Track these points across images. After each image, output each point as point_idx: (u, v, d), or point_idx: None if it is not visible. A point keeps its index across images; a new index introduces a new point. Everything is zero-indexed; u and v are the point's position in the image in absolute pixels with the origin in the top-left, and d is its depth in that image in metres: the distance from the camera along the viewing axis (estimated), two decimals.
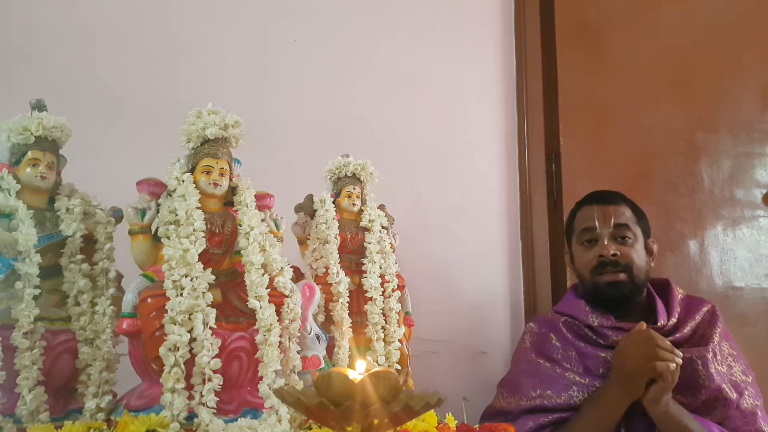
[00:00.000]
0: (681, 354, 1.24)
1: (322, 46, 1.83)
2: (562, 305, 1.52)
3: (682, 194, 2.05)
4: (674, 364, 1.22)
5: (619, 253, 1.39)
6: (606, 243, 1.40)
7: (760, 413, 1.32)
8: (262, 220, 1.12)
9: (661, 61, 2.09)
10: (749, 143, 2.12)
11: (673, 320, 1.38)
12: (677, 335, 1.35)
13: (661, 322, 1.37)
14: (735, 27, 2.16)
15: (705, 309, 1.42)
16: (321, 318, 1.27)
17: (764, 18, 2.17)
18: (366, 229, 1.36)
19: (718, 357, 1.34)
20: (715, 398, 1.30)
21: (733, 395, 1.30)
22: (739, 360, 1.37)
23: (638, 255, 1.41)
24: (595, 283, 1.42)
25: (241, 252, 1.09)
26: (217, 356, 0.99)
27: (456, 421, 1.13)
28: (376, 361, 1.28)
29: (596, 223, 1.42)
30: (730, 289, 2.03)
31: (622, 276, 1.39)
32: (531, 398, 1.36)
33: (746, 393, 1.32)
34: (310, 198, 1.34)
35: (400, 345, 1.33)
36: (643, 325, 1.30)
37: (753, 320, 1.98)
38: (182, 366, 0.96)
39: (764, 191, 2.10)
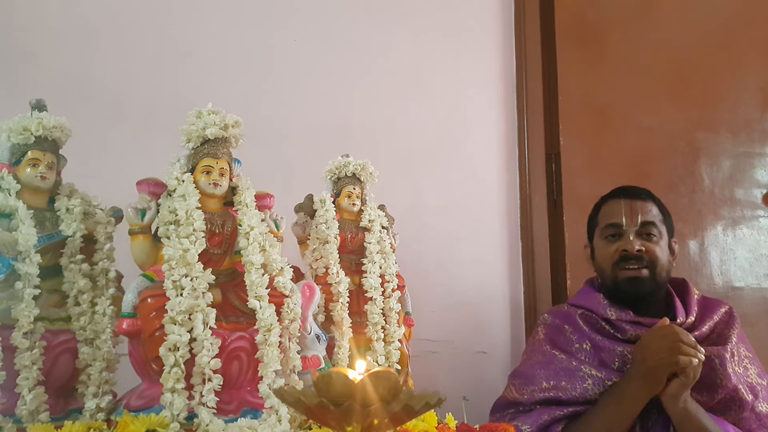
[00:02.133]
0: (704, 350, 1.24)
1: (323, 46, 1.83)
2: (578, 298, 1.49)
3: (682, 194, 2.05)
4: (697, 360, 1.21)
5: (644, 248, 1.37)
6: (631, 239, 1.38)
7: None
8: (262, 220, 1.12)
9: (661, 61, 2.09)
10: (749, 143, 2.12)
11: (692, 318, 1.37)
12: (696, 333, 1.33)
13: (679, 319, 1.35)
14: (735, 27, 2.15)
15: (723, 310, 1.41)
16: (321, 318, 1.27)
17: (764, 18, 2.17)
18: (366, 229, 1.36)
19: (736, 358, 1.33)
20: (731, 399, 1.29)
21: (749, 397, 1.29)
22: (755, 362, 1.37)
23: (662, 252, 1.39)
24: (616, 277, 1.39)
25: (241, 252, 1.09)
26: (217, 356, 0.99)
27: (456, 421, 1.13)
28: (376, 361, 1.28)
29: (623, 219, 1.39)
30: (730, 289, 2.03)
31: (645, 272, 1.37)
32: (545, 389, 1.34)
33: (761, 396, 1.31)
34: (310, 198, 1.34)
35: (400, 345, 1.33)
36: (666, 320, 1.29)
37: (753, 320, 1.98)
38: (182, 366, 0.96)
39: (764, 191, 2.10)
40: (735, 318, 1.39)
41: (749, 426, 1.29)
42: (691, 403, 1.25)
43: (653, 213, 1.41)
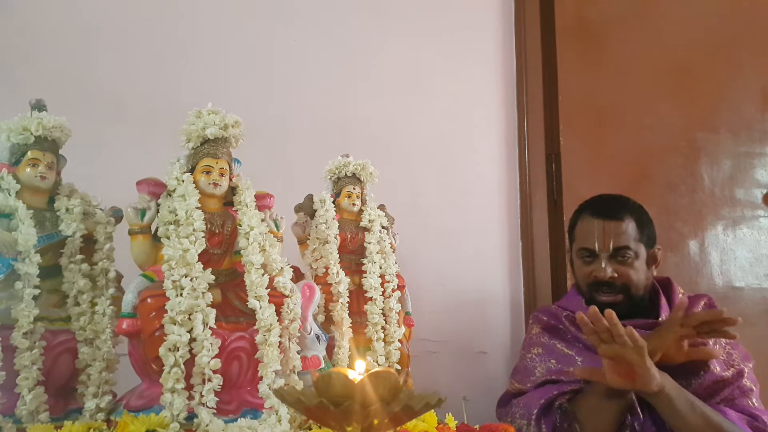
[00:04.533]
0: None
1: (323, 46, 1.83)
2: (564, 301, 1.53)
3: (682, 194, 2.05)
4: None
5: (616, 275, 1.38)
6: (603, 266, 1.38)
7: (755, 393, 1.33)
8: (262, 220, 1.12)
9: (661, 61, 2.09)
10: (749, 143, 2.12)
11: None
12: None
13: (663, 317, 1.39)
14: (735, 27, 2.15)
15: (702, 302, 1.44)
16: (321, 318, 1.27)
17: (764, 18, 2.17)
18: (366, 229, 1.36)
19: (717, 345, 1.36)
20: (714, 381, 1.31)
21: (733, 378, 1.32)
22: (737, 347, 1.39)
23: (637, 272, 1.40)
24: (593, 299, 1.42)
25: (241, 252, 1.09)
26: (217, 356, 0.99)
27: (456, 421, 1.13)
28: (376, 361, 1.28)
29: (596, 245, 1.40)
30: (730, 289, 2.03)
31: (619, 297, 1.38)
32: (545, 374, 1.38)
33: (746, 375, 1.34)
34: (310, 198, 1.34)
35: (400, 345, 1.33)
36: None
37: (753, 320, 1.98)
38: (182, 366, 0.96)
39: (764, 191, 2.10)
40: (715, 307, 1.41)
41: (731, 395, 1.31)
42: (672, 389, 1.21)
43: (628, 234, 1.40)
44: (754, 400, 1.32)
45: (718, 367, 1.32)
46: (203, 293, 1.00)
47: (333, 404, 0.67)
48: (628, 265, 1.39)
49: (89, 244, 1.10)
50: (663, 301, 1.42)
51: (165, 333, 0.97)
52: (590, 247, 1.41)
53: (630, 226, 1.41)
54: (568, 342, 1.42)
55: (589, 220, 1.44)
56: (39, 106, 1.09)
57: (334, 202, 1.34)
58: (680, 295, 1.46)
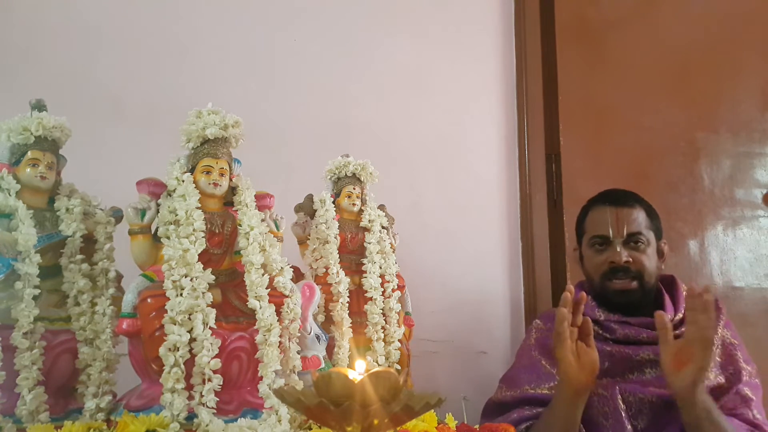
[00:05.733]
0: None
1: (323, 46, 1.83)
2: None
3: (682, 194, 2.05)
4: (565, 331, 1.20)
5: (631, 259, 1.38)
6: (618, 250, 1.38)
7: (755, 402, 1.32)
8: (262, 220, 1.12)
9: (661, 61, 2.09)
10: (749, 143, 2.12)
11: (680, 315, 1.39)
12: (682, 329, 1.34)
13: (668, 316, 1.36)
14: (735, 27, 2.15)
15: None
16: (321, 318, 1.27)
17: (764, 18, 2.17)
18: (366, 229, 1.36)
19: (724, 345, 1.36)
20: (715, 385, 1.31)
21: (728, 383, 1.32)
22: (741, 349, 1.38)
23: (650, 260, 1.40)
24: (605, 288, 1.41)
25: (241, 252, 1.09)
26: (217, 356, 0.99)
27: (456, 421, 1.13)
28: (376, 361, 1.28)
29: (609, 231, 1.40)
30: (730, 289, 2.02)
31: (633, 284, 1.38)
32: (526, 391, 1.38)
33: (744, 380, 1.33)
34: (310, 198, 1.34)
35: (400, 345, 1.33)
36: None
37: (753, 320, 1.98)
38: (182, 366, 0.96)
39: (764, 191, 2.10)
40: (720, 309, 1.41)
41: (733, 405, 1.30)
42: (710, 402, 1.20)
43: (639, 221, 1.41)
44: (755, 412, 1.30)
45: (711, 374, 1.30)
46: (203, 293, 1.00)
47: (333, 404, 0.67)
48: (641, 252, 1.39)
49: (89, 244, 1.10)
50: (667, 300, 1.42)
51: (165, 333, 0.97)
52: (604, 234, 1.41)
53: (641, 215, 1.42)
54: (554, 359, 1.39)
55: (601, 209, 1.45)
56: (39, 106, 1.09)
57: (334, 202, 1.34)
58: (684, 294, 1.44)
